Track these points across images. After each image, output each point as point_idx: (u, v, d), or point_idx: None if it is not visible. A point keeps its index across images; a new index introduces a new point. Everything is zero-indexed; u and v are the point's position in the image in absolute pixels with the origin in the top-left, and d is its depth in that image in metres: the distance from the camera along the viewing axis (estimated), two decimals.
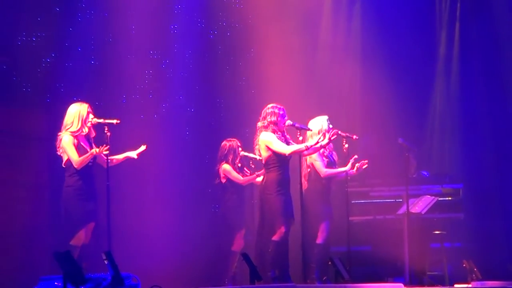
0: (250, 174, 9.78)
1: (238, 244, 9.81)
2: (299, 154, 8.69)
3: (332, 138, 8.76)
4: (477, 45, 12.37)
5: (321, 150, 9.28)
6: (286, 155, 8.55)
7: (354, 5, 12.40)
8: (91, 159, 8.39)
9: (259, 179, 9.59)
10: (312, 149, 8.73)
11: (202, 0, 11.50)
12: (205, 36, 11.52)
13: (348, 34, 12.29)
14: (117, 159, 8.64)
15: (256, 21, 11.55)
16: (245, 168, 9.88)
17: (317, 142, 8.67)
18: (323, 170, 9.32)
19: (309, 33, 11.98)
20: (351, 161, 9.35)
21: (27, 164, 9.70)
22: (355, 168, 9.41)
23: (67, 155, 8.33)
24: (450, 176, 11.07)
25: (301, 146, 8.61)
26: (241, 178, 9.75)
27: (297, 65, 11.47)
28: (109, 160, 8.37)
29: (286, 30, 11.57)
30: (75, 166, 8.31)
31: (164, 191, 10.55)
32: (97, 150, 8.28)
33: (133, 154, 8.67)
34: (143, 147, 8.66)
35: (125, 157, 8.67)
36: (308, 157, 9.28)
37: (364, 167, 9.45)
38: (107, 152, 8.29)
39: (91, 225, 8.40)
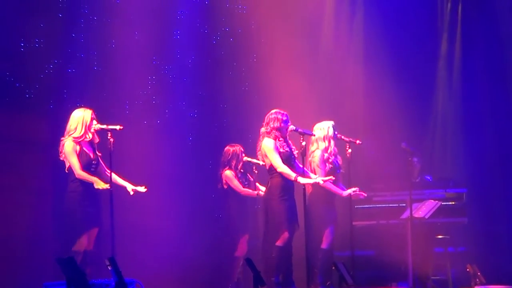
0: (254, 181, 9.79)
1: (241, 249, 9.81)
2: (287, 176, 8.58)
3: (327, 182, 8.79)
4: (479, 45, 12.35)
5: (325, 156, 9.28)
6: (277, 170, 8.55)
7: (356, 9, 12.39)
8: (94, 165, 8.40)
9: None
10: (301, 181, 8.61)
11: (205, 6, 11.50)
12: (207, 42, 11.52)
13: (350, 38, 12.28)
14: (115, 181, 8.42)
15: (259, 26, 11.56)
16: (248, 174, 9.88)
17: (310, 183, 8.76)
18: None
19: (312, 37, 11.98)
20: (349, 191, 9.27)
21: (30, 170, 9.68)
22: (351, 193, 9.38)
23: (69, 163, 8.34)
24: (453, 180, 11.04)
25: (292, 175, 8.52)
26: (241, 188, 9.73)
27: (300, 70, 11.44)
28: (109, 173, 8.32)
29: (289, 35, 11.57)
30: (76, 176, 8.31)
31: (167, 196, 10.52)
32: (102, 186, 8.21)
33: (129, 187, 8.44)
34: (142, 189, 8.48)
35: (122, 185, 8.48)
36: (312, 162, 9.27)
37: (361, 197, 9.42)
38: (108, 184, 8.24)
39: (94, 230, 8.40)
